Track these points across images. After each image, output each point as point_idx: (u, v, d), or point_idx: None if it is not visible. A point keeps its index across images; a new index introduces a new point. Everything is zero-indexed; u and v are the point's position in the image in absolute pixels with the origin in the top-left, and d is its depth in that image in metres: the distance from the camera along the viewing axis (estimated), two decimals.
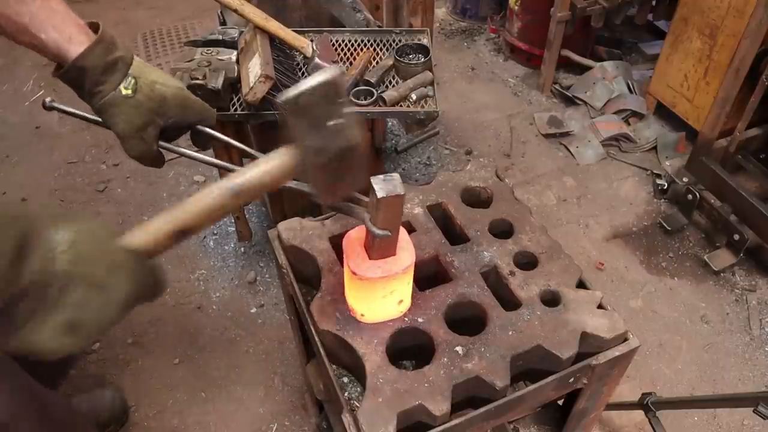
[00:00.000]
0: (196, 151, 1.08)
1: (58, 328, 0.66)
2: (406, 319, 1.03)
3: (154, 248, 0.76)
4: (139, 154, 0.99)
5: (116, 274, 0.70)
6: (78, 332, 0.67)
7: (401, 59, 1.81)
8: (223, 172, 1.94)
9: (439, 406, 0.92)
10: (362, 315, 1.02)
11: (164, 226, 0.76)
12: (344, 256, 0.98)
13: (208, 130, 1.07)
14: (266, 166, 0.80)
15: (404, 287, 1.00)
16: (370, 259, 0.96)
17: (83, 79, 0.92)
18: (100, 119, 0.99)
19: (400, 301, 1.01)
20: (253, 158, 1.11)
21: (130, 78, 0.94)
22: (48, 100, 1.02)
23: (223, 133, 1.81)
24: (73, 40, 0.90)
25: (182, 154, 1.06)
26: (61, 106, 1.03)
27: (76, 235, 0.68)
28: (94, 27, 0.94)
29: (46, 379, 1.60)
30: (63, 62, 0.91)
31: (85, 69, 0.90)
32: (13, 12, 0.86)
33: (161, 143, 1.01)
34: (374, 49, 1.92)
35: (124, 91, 0.93)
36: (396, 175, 0.89)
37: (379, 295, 0.97)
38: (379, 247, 0.94)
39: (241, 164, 1.99)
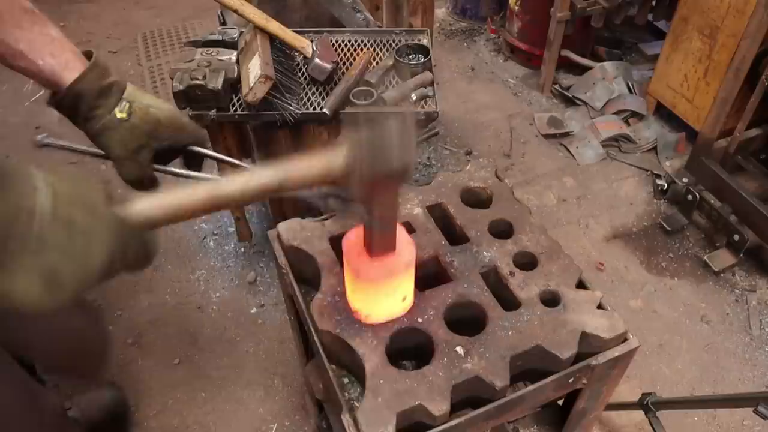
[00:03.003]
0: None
1: (36, 276, 0.61)
2: (406, 319, 1.03)
3: (156, 219, 0.71)
4: (134, 178, 1.01)
5: (99, 225, 0.65)
6: (57, 284, 0.63)
7: (401, 59, 1.81)
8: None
9: (439, 406, 0.92)
10: (367, 316, 1.02)
11: (193, 198, 0.72)
12: (344, 259, 0.98)
13: (202, 150, 1.09)
14: (314, 162, 0.75)
15: (407, 284, 1.00)
16: (370, 257, 0.96)
17: (79, 105, 0.93)
18: (94, 151, 1.01)
19: (404, 298, 1.01)
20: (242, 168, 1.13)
21: (124, 102, 0.96)
22: (40, 137, 1.04)
23: (222, 134, 1.84)
24: (69, 66, 0.91)
25: (176, 175, 1.08)
26: (55, 142, 1.05)
27: (58, 180, 0.64)
28: (87, 55, 0.96)
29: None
30: (57, 88, 0.93)
31: (81, 94, 0.92)
32: (11, 38, 0.87)
33: (155, 165, 1.03)
34: (374, 50, 1.92)
35: (119, 114, 0.95)
36: None
37: (384, 294, 0.97)
38: (379, 243, 0.94)
39: None
